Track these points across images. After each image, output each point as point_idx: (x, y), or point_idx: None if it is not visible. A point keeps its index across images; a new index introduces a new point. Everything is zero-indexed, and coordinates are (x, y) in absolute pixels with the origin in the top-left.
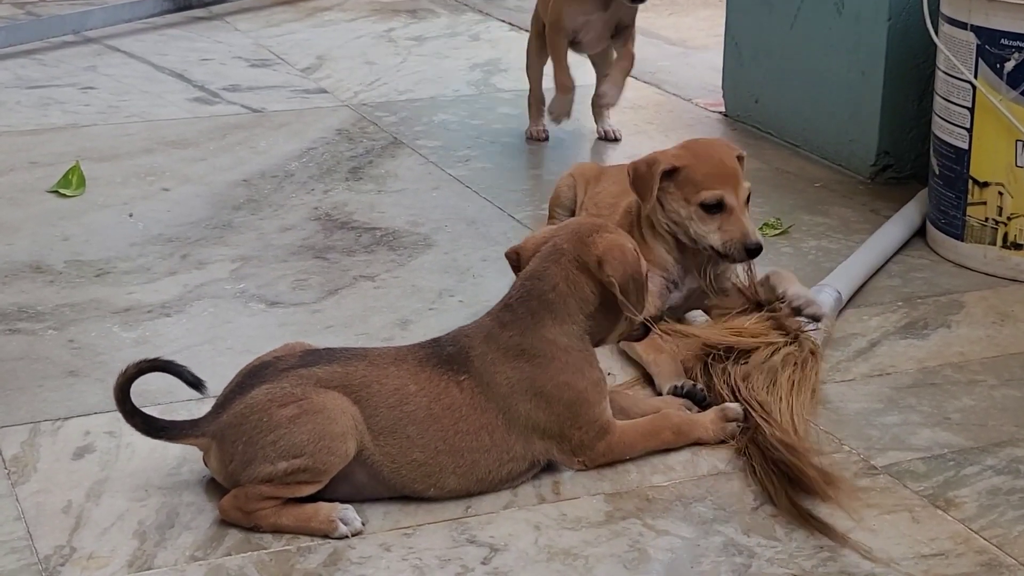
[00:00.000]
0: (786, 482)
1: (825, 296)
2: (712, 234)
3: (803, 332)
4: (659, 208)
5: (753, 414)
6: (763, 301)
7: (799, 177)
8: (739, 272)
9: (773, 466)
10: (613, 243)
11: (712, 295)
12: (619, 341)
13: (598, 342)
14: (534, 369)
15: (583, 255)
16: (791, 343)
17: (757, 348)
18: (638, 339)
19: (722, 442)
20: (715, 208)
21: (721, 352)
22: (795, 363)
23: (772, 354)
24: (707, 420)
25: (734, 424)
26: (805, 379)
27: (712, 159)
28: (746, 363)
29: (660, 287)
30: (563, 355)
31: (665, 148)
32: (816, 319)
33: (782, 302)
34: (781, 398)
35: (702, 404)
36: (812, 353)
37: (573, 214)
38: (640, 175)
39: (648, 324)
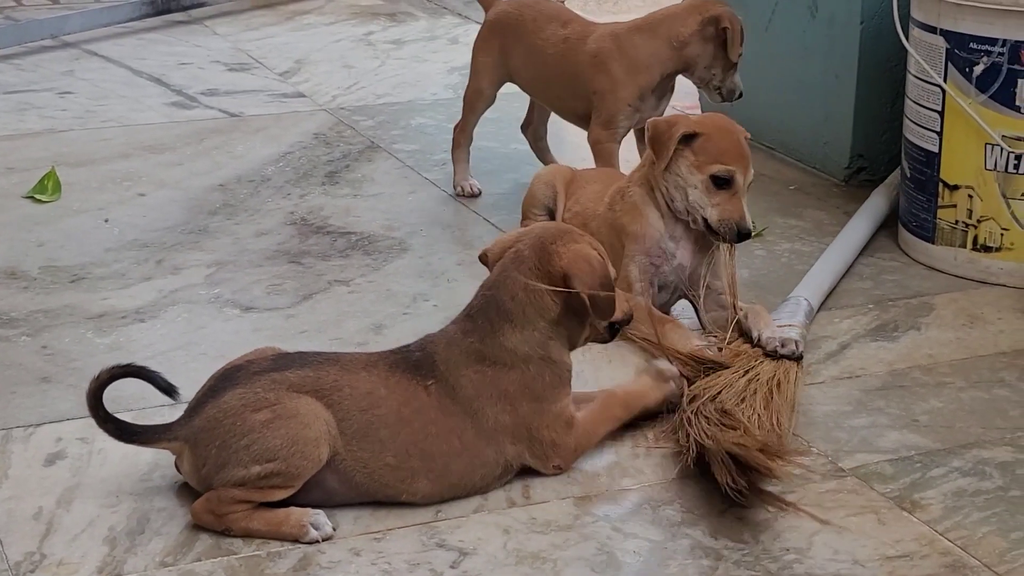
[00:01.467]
0: (731, 464)
1: (796, 332)
2: (710, 208)
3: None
4: (665, 171)
5: (704, 419)
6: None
7: (774, 180)
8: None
9: (720, 455)
10: (578, 254)
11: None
12: (585, 343)
13: (568, 347)
14: (496, 373)
15: (545, 264)
16: (771, 362)
17: (733, 366)
18: (606, 342)
19: (671, 409)
20: (723, 184)
21: (699, 367)
22: (773, 375)
23: (747, 371)
24: (646, 386)
25: (672, 384)
26: (783, 391)
27: (732, 136)
28: (720, 377)
29: (643, 266)
30: (523, 364)
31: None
32: (793, 357)
33: (757, 345)
34: (754, 407)
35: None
36: (792, 366)
37: (551, 214)
38: (659, 132)
39: (615, 325)
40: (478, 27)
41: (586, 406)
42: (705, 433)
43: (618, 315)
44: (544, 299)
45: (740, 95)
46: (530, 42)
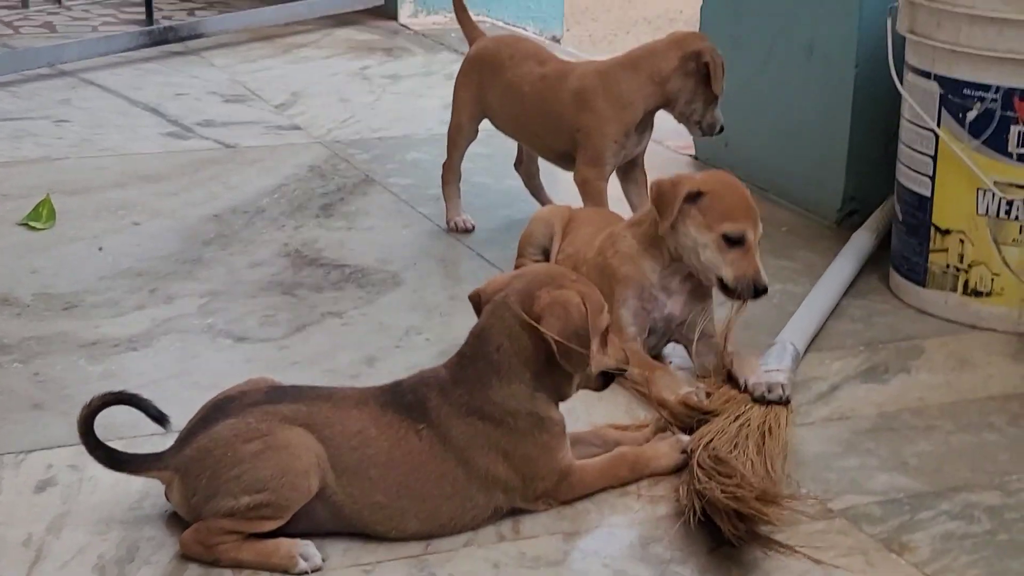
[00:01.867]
0: (732, 513)
1: (783, 376)
2: (725, 267)
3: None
4: (670, 229)
5: (699, 469)
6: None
7: (766, 221)
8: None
9: (721, 505)
10: (557, 299)
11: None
12: (576, 391)
13: (557, 398)
14: (486, 427)
15: (527, 308)
16: (761, 407)
17: (724, 412)
18: (598, 390)
19: (678, 470)
20: (736, 242)
21: (690, 416)
22: (764, 420)
23: (738, 417)
24: (659, 453)
25: (684, 456)
26: (774, 436)
27: (738, 192)
28: (711, 424)
29: (635, 310)
30: (511, 419)
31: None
32: (781, 402)
33: (745, 391)
34: (747, 454)
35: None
36: (782, 410)
37: (547, 254)
38: (663, 192)
39: (608, 373)
40: None
41: (589, 450)
42: (702, 484)
43: (610, 363)
44: (527, 347)
45: (721, 129)
46: (506, 80)
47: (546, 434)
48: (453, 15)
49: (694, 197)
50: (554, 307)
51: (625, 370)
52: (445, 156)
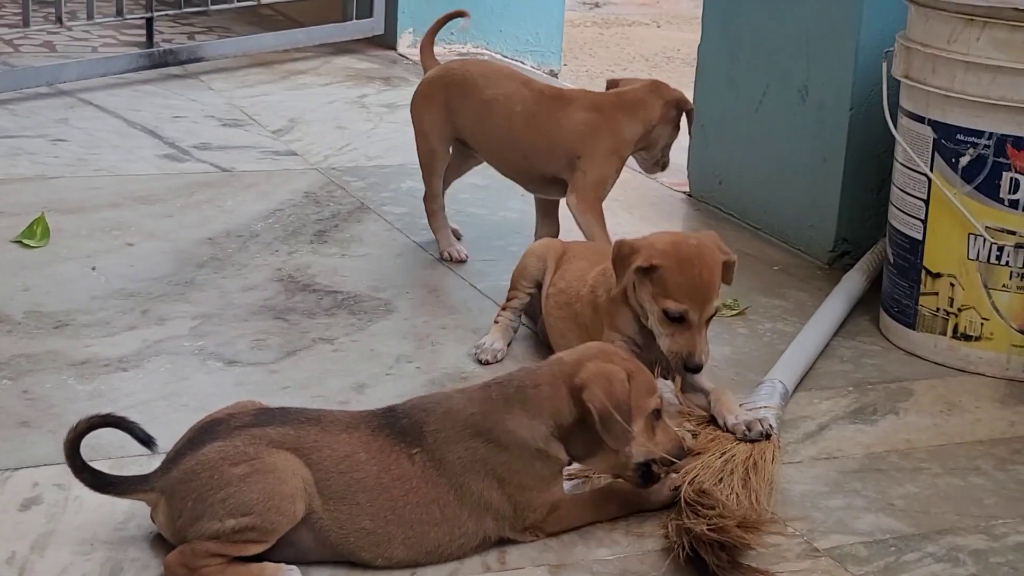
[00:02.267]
0: (715, 543)
1: (771, 413)
2: (664, 337)
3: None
4: (631, 287)
5: (686, 505)
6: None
7: (758, 260)
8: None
9: (703, 536)
10: (601, 371)
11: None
12: (606, 474)
13: (572, 458)
14: (487, 452)
15: (573, 373)
16: (747, 444)
17: (710, 451)
18: (638, 485)
19: (667, 506)
20: (675, 319)
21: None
22: (749, 455)
23: (723, 453)
24: (651, 492)
25: (675, 493)
26: (760, 471)
27: (691, 270)
28: (697, 460)
29: (624, 348)
30: (518, 448)
31: (660, 232)
32: (762, 439)
33: (726, 431)
34: (732, 487)
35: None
36: (768, 446)
37: (540, 287)
38: (619, 257)
39: (650, 469)
40: None
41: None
42: (689, 521)
43: (655, 451)
44: (562, 405)
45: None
46: (485, 98)
47: (547, 470)
48: (451, 46)
49: (646, 270)
50: (599, 377)
51: (675, 461)
52: (453, 183)
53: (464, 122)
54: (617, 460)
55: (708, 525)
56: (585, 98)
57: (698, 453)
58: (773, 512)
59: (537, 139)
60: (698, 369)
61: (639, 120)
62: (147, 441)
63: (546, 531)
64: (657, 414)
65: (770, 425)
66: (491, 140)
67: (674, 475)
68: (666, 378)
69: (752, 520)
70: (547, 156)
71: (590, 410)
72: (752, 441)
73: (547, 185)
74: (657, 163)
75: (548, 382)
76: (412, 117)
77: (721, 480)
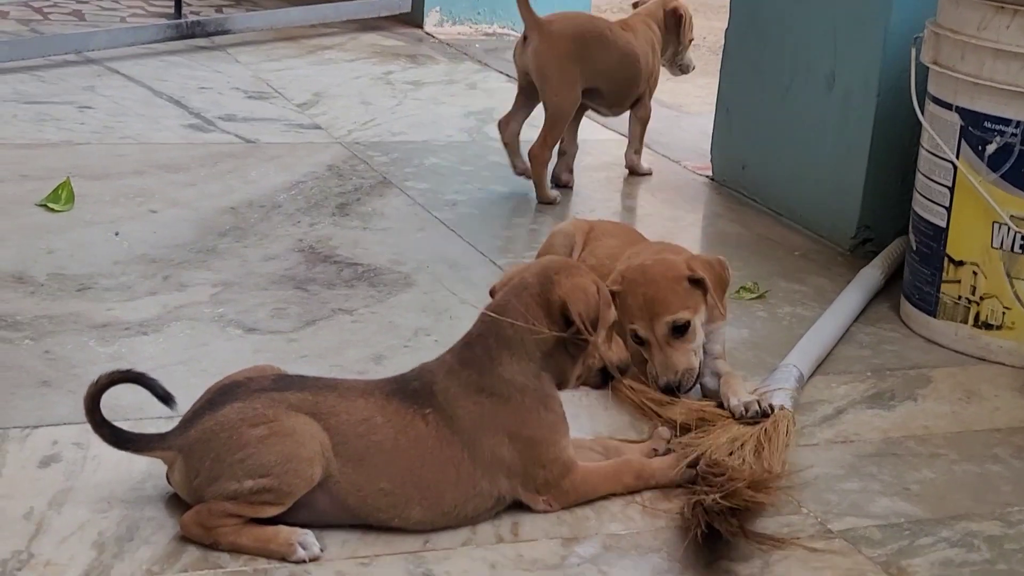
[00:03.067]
0: (726, 512)
1: (778, 394)
2: (644, 361)
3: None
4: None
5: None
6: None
7: (780, 244)
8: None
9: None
10: (577, 285)
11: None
12: (577, 385)
13: (558, 384)
14: (494, 406)
15: (546, 292)
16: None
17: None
18: (596, 386)
19: (679, 485)
20: (637, 341)
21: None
22: (764, 430)
23: (732, 433)
24: (665, 465)
25: (693, 470)
26: (773, 443)
27: (638, 289)
28: (707, 436)
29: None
30: (519, 395)
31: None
32: (762, 415)
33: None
34: (744, 458)
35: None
36: (782, 421)
37: None
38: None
39: (608, 371)
40: (498, 74)
41: (591, 456)
42: (701, 494)
43: (613, 359)
44: (541, 326)
45: (693, 68)
46: (617, 45)
47: (551, 414)
48: (477, 27)
49: (615, 295)
50: (576, 291)
51: (625, 371)
52: (468, 162)
53: (597, 71)
54: (584, 368)
55: (719, 492)
56: (634, 22)
57: (710, 419)
58: (787, 494)
59: (634, 71)
60: (671, 391)
61: (659, 27)
62: (167, 399)
63: (562, 499)
64: (613, 325)
65: (769, 405)
66: (606, 82)
67: (689, 451)
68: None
69: (761, 480)
70: (635, 83)
71: (573, 323)
72: (752, 421)
73: (629, 105)
74: (677, 66)
75: (522, 313)
76: (550, 71)
77: (732, 453)
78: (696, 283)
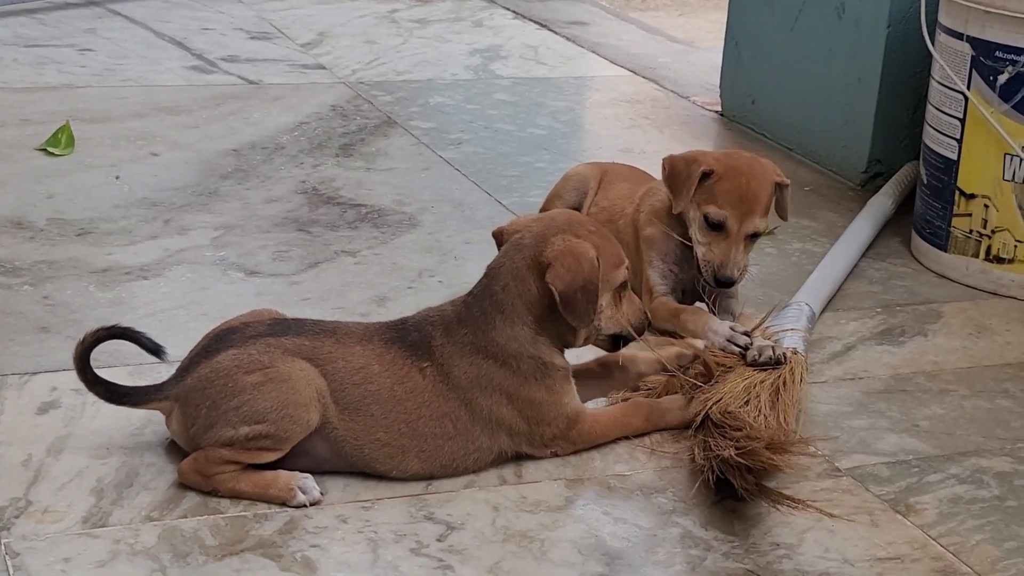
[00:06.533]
0: (742, 468)
1: (791, 335)
2: (701, 247)
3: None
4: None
5: (713, 427)
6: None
7: (790, 179)
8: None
9: (731, 463)
10: (569, 249)
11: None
12: (584, 344)
13: (562, 347)
14: (490, 368)
15: (538, 254)
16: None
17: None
18: (607, 350)
19: (688, 426)
20: (715, 226)
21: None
22: (779, 376)
23: (748, 377)
24: (676, 406)
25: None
26: (788, 389)
27: (740, 179)
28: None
29: (663, 271)
30: (513, 361)
31: (703, 148)
32: (771, 364)
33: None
34: (759, 408)
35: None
36: (797, 366)
37: (576, 210)
38: (677, 171)
39: (619, 337)
40: (504, 11)
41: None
42: (715, 444)
43: (622, 323)
44: (532, 291)
45: None
46: None
47: (549, 379)
48: None
49: (706, 175)
50: (565, 256)
51: (642, 330)
52: (473, 100)
53: None
54: (589, 332)
55: (736, 448)
56: None
57: (725, 365)
58: (797, 433)
59: None
60: (729, 283)
61: None
62: (156, 351)
63: (572, 446)
64: (624, 285)
65: (783, 353)
66: None
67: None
68: (703, 300)
69: (780, 442)
70: None
71: (553, 291)
72: (762, 367)
73: None
74: None
75: (512, 276)
76: None
77: (747, 402)
78: (779, 188)
